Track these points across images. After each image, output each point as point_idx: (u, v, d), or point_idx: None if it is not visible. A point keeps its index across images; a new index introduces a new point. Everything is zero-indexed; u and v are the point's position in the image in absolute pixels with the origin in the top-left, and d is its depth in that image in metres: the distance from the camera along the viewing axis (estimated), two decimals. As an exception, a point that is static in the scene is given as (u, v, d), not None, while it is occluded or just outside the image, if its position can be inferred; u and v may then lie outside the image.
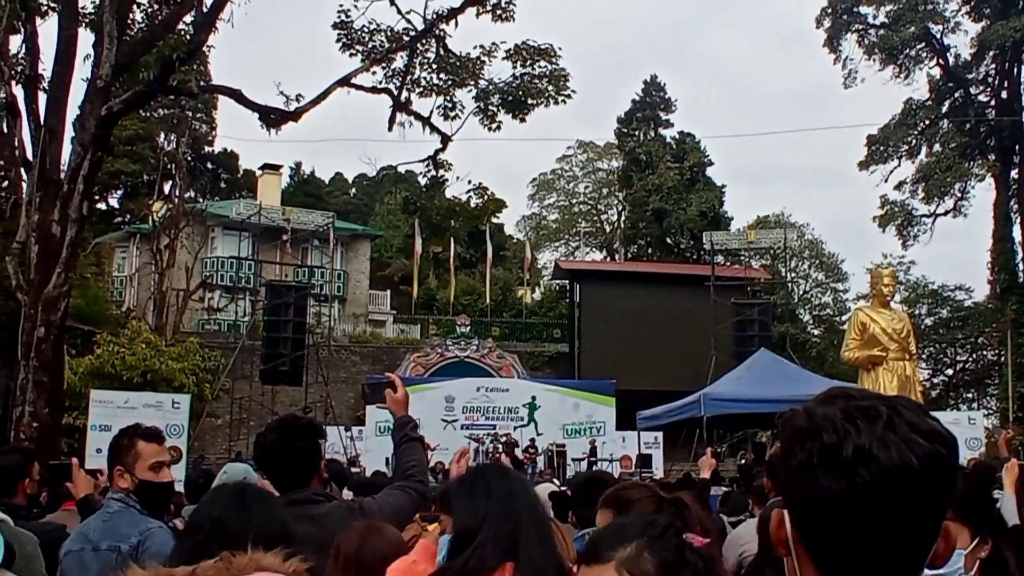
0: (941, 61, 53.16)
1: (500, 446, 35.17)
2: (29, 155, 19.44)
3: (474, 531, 2.95)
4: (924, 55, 53.49)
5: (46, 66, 20.09)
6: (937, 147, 52.79)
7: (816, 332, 60.20)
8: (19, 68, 20.38)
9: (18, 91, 20.11)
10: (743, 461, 31.57)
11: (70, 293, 19.59)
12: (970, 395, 53.75)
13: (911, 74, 53.45)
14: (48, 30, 20.59)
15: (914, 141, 53.52)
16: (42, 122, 19.18)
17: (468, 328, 45.50)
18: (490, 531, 2.96)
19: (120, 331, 33.68)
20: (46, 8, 21.38)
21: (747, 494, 9.74)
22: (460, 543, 2.97)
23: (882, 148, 53.65)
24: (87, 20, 20.83)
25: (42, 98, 19.70)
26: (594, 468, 29.04)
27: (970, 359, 53.93)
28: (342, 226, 51.38)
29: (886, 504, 1.39)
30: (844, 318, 54.18)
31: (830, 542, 1.44)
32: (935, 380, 53.00)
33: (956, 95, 53.42)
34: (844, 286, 64.41)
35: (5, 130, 20.16)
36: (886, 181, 54.41)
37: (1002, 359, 46.73)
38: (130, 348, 31.27)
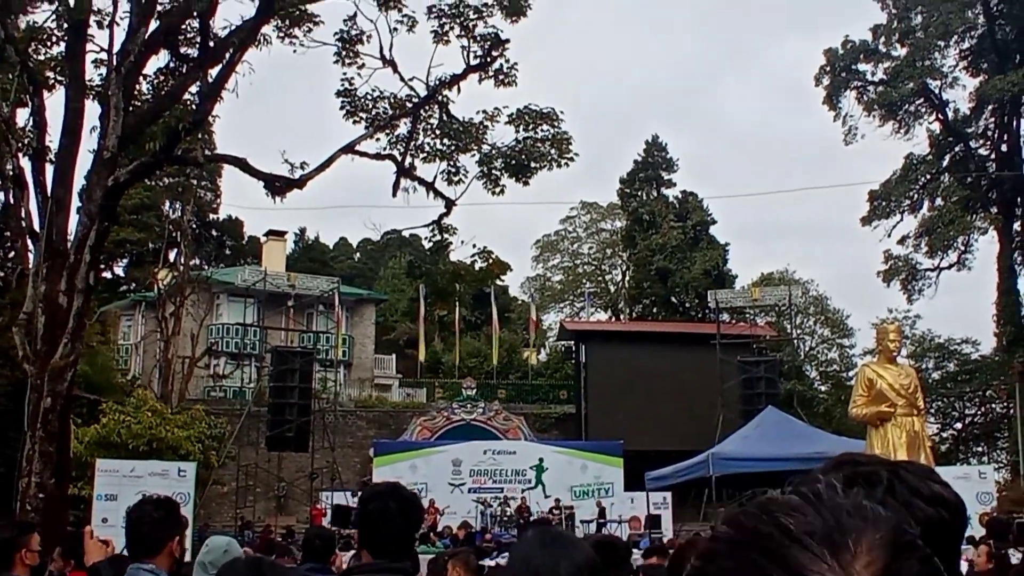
0: (940, 116, 53.55)
1: (510, 511, 34.94)
2: (36, 226, 19.56)
3: None
4: (923, 110, 53.91)
5: (53, 138, 20.30)
6: (939, 201, 53.01)
7: (823, 388, 59.97)
8: (26, 140, 20.57)
9: (25, 163, 20.30)
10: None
11: (77, 363, 19.62)
12: (980, 448, 53.47)
13: (911, 129, 53.88)
14: (55, 103, 20.83)
15: (916, 196, 53.75)
16: (49, 193, 19.33)
17: (474, 391, 45.39)
18: None
19: (126, 399, 33.63)
20: (53, 81, 21.64)
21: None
22: None
23: (884, 203, 53.85)
24: (94, 92, 21.06)
25: (49, 170, 19.85)
26: (603, 530, 28.90)
27: (979, 412, 53.71)
28: (347, 291, 51.48)
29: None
30: (851, 374, 54.02)
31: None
32: (944, 434, 52.77)
33: (956, 149, 53.76)
34: (850, 342, 64.27)
35: (12, 201, 20.34)
36: (889, 236, 54.56)
37: (1011, 412, 46.53)
38: (136, 416, 31.21)
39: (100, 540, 6.25)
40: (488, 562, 11.41)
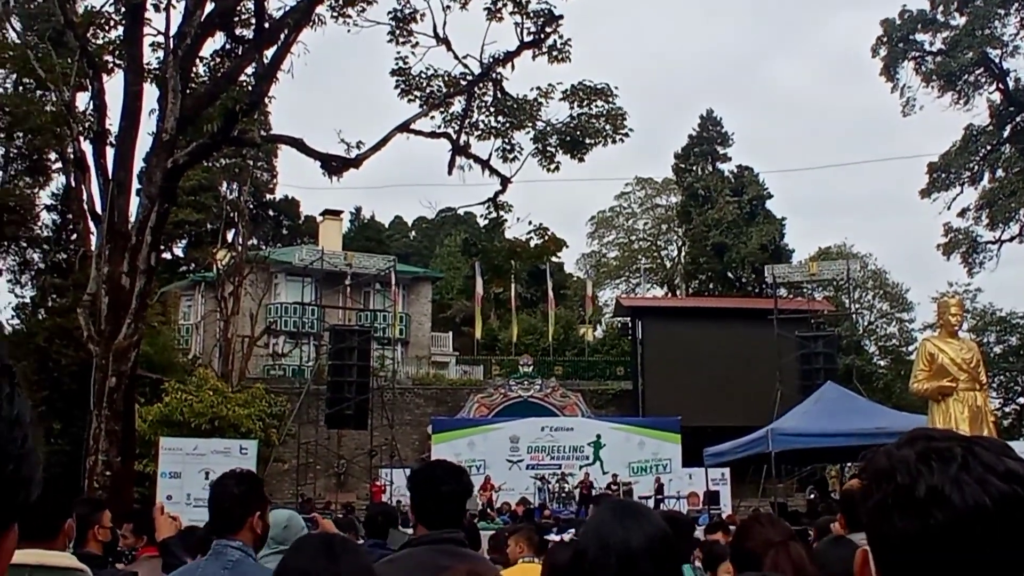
0: (1001, 86, 52.59)
1: (568, 487, 35.06)
2: (98, 208, 19.83)
3: None
4: (983, 80, 52.95)
5: (113, 121, 20.54)
6: (1000, 172, 52.17)
7: (883, 363, 59.39)
8: (87, 124, 20.86)
9: (87, 146, 20.58)
10: (812, 496, 31.26)
11: (140, 343, 19.91)
12: (1044, 423, 52.75)
13: (971, 99, 52.93)
14: (114, 87, 21.09)
15: (976, 167, 52.90)
16: (110, 176, 19.57)
17: (531, 368, 45.46)
18: None
19: (187, 378, 34.11)
20: (112, 65, 21.90)
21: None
22: None
23: (944, 175, 53.08)
24: (152, 76, 21.27)
25: (110, 153, 20.10)
26: (661, 506, 28.89)
27: (1042, 386, 52.97)
28: (403, 269, 51.70)
29: (961, 545, 1.41)
30: (911, 348, 53.48)
31: (910, 583, 1.46)
32: (1007, 409, 52.09)
33: (1018, 119, 52.78)
34: (910, 316, 63.60)
35: (74, 184, 20.64)
36: (949, 208, 53.77)
37: (1075, 386, 45.93)
38: (197, 395, 31.64)
39: (170, 516, 6.37)
40: (553, 536, 11.45)
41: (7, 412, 0.96)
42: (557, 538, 10.87)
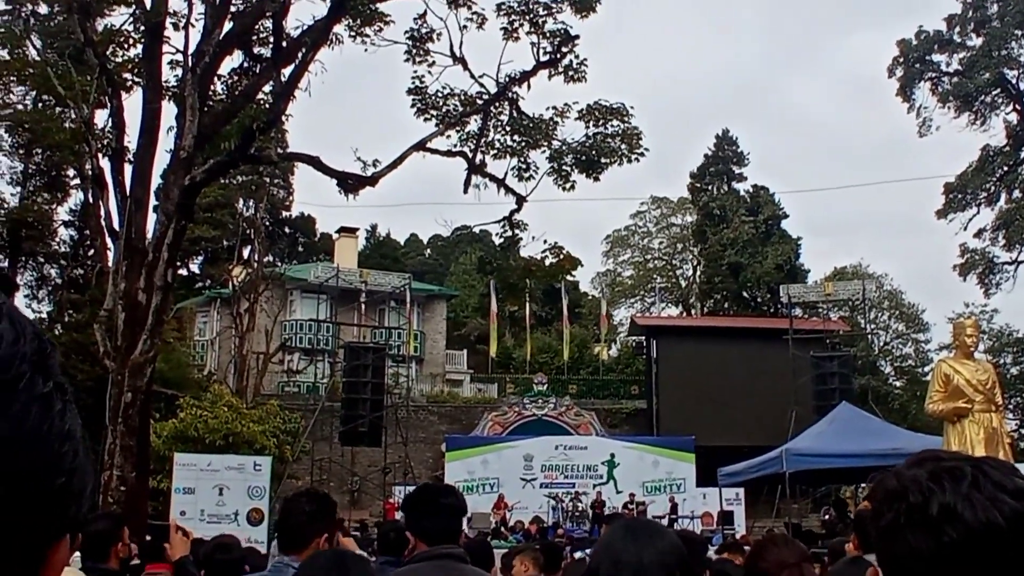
0: (1018, 106, 52.48)
1: (581, 506, 34.94)
2: (116, 225, 19.93)
3: None
4: (1000, 101, 52.84)
5: (131, 138, 20.67)
6: (1017, 193, 51.98)
7: (898, 384, 59.16)
8: (106, 141, 20.98)
9: (105, 163, 20.69)
10: (827, 517, 31.13)
11: (155, 359, 19.98)
12: (1060, 445, 52.42)
13: (987, 120, 52.80)
14: (133, 104, 21.21)
15: (993, 188, 52.74)
16: (128, 193, 19.69)
17: (545, 386, 45.41)
18: None
19: (202, 395, 34.16)
20: (131, 83, 22.05)
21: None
22: None
23: (960, 196, 52.93)
24: (170, 93, 21.41)
25: (128, 170, 20.22)
26: (675, 526, 28.80)
27: (1059, 408, 52.66)
28: (418, 287, 51.70)
29: (973, 562, 1.43)
30: (926, 369, 53.26)
31: (922, 601, 1.47)
32: (1023, 431, 51.79)
33: (1035, 140, 52.65)
34: (926, 336, 63.33)
35: (92, 201, 20.75)
36: (965, 229, 53.54)
37: (1092, 408, 45.65)
38: (212, 411, 31.66)
39: (182, 533, 6.38)
40: (579, 555, 11.45)
41: (59, 427, 0.99)
42: (580, 555, 10.86)
